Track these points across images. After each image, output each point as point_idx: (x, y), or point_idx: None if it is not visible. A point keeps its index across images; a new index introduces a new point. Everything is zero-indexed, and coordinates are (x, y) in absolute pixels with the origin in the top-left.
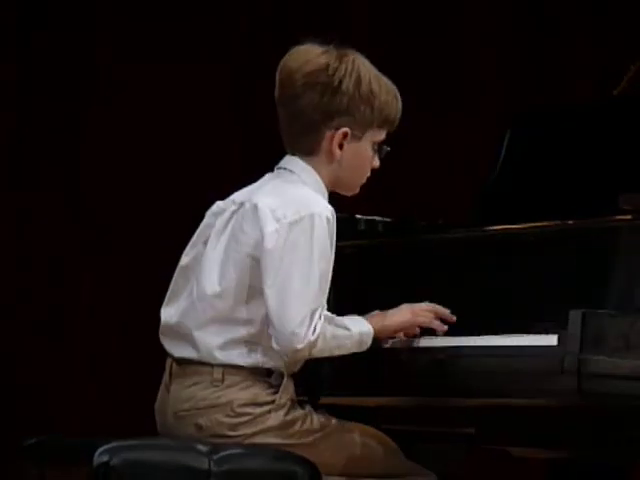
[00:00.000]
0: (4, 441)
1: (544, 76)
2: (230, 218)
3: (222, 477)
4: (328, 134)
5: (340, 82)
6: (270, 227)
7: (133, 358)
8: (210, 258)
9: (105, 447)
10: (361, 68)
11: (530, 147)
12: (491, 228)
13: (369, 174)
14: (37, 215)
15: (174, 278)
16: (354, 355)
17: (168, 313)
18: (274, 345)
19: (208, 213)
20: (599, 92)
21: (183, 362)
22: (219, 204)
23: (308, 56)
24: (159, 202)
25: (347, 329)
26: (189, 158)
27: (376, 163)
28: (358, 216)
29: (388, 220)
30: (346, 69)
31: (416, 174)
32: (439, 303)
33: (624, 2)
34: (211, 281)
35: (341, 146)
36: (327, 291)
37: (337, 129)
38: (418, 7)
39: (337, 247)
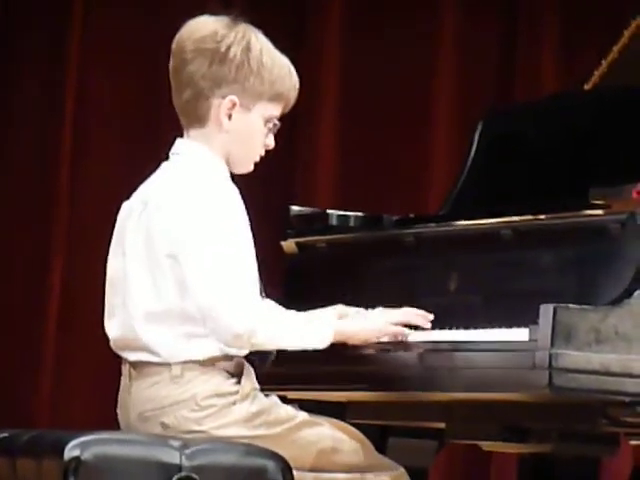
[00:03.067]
0: None
1: (515, 74)
2: (139, 221)
3: (193, 472)
4: (216, 102)
5: (228, 49)
6: (177, 222)
7: (104, 353)
8: (133, 267)
9: (76, 441)
10: (252, 38)
11: (501, 142)
12: (462, 223)
13: (262, 152)
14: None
15: (106, 291)
16: (324, 348)
17: (111, 328)
18: (216, 337)
19: (119, 217)
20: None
21: (139, 365)
22: (126, 206)
23: (198, 25)
24: None
25: (299, 322)
26: None
27: (270, 141)
28: (329, 211)
29: (359, 215)
30: (235, 37)
31: (392, 168)
32: (409, 297)
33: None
34: (141, 290)
35: (230, 116)
36: (253, 270)
37: (225, 97)
38: (395, 8)
39: (308, 241)
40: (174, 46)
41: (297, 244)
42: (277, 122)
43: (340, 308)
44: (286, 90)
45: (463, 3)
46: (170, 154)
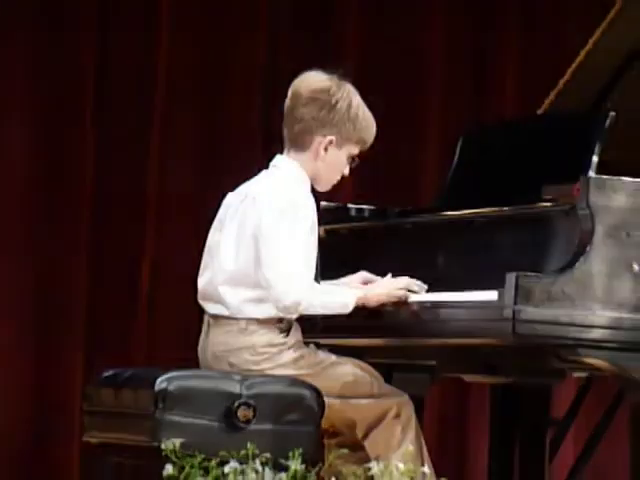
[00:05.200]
0: (92, 372)
1: (486, 94)
2: (237, 208)
3: (250, 399)
4: (318, 138)
5: (336, 102)
6: (265, 213)
7: (187, 307)
8: (225, 241)
9: (164, 376)
10: (353, 97)
11: (477, 152)
12: (448, 213)
13: (339, 178)
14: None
15: (204, 255)
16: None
17: (201, 282)
18: (273, 302)
19: (223, 203)
20: (528, 104)
21: (216, 317)
22: (229, 196)
23: (316, 79)
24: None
25: (332, 295)
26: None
27: (346, 171)
28: (349, 205)
29: (372, 207)
30: (342, 94)
31: (395, 171)
32: (409, 269)
33: (550, 26)
34: (227, 258)
35: (326, 149)
36: (312, 259)
37: (326, 136)
38: (387, 17)
39: (334, 228)
40: (292, 89)
41: (325, 231)
42: (356, 159)
43: (364, 273)
44: (368, 137)
45: (446, 34)
46: (270, 165)
